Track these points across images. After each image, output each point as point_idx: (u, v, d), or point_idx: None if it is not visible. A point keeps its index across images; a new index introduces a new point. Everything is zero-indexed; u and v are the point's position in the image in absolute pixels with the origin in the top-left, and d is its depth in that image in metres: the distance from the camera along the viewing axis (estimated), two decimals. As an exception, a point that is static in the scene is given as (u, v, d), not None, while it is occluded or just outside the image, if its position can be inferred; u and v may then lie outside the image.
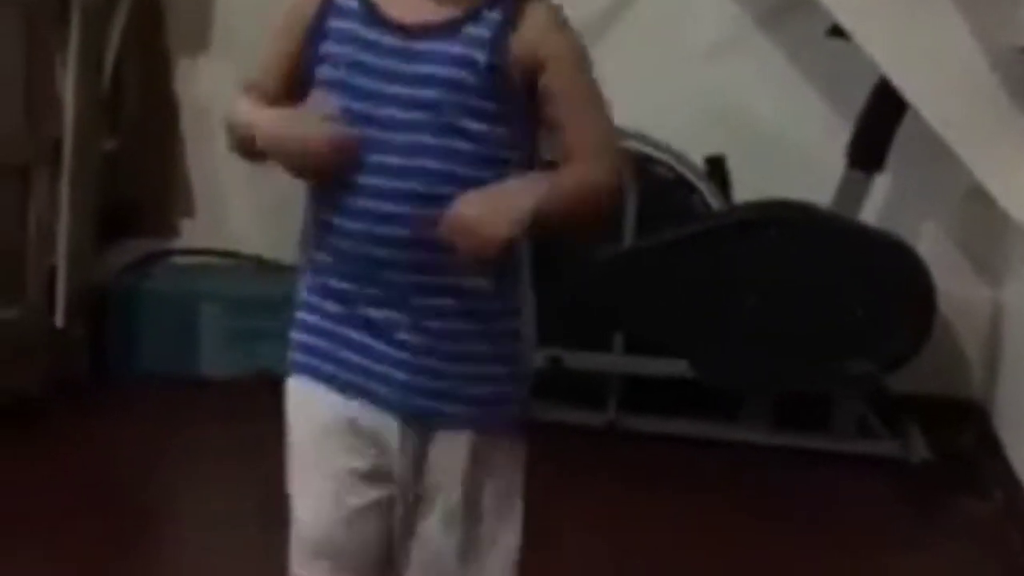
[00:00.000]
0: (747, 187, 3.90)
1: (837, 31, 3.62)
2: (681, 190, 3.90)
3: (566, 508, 3.35)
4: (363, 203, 1.75)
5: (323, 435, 1.81)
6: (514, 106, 1.76)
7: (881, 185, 3.92)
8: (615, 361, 3.86)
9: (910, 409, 3.88)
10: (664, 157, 3.90)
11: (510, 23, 1.74)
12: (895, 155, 3.82)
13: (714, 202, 3.88)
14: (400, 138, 1.73)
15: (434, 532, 1.85)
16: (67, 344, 3.83)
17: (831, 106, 4.06)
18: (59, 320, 3.80)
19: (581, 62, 1.81)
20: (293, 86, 1.80)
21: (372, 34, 1.75)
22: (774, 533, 3.28)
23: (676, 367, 3.77)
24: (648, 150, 3.91)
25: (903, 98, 3.52)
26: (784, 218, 3.76)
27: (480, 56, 1.73)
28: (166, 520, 3.27)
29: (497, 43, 1.73)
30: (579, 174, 1.77)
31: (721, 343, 3.77)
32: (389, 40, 1.74)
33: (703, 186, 3.89)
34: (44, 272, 3.75)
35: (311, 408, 1.82)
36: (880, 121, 3.78)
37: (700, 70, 4.08)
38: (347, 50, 1.75)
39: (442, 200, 1.71)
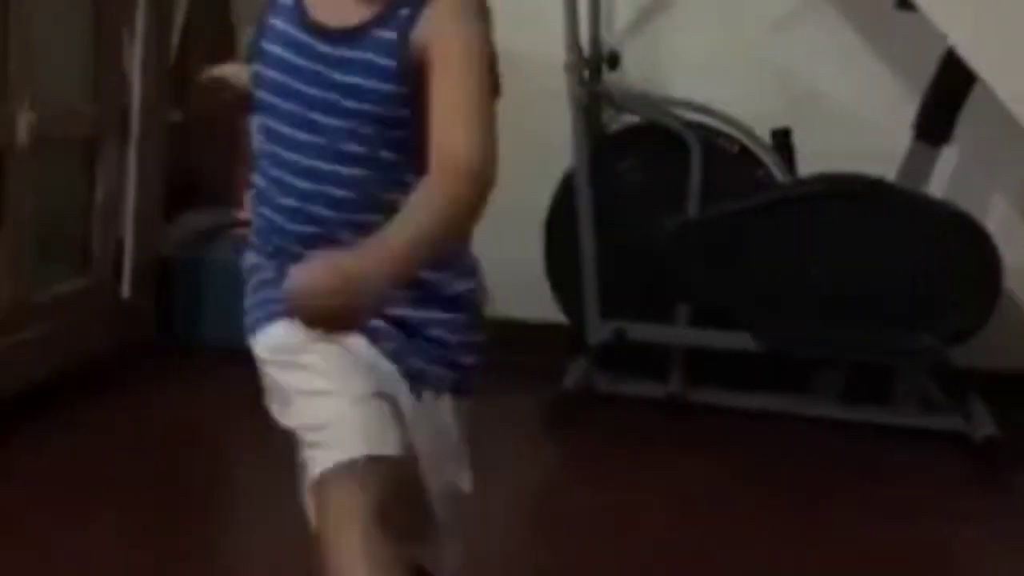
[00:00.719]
0: (813, 160, 3.88)
1: (905, 3, 3.59)
2: (747, 163, 3.88)
3: (629, 480, 3.36)
4: (280, 200, 1.76)
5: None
6: (420, 98, 1.69)
7: (948, 158, 3.89)
8: (679, 333, 3.86)
9: (974, 384, 3.85)
10: (730, 130, 3.89)
11: (412, 20, 1.69)
12: (962, 128, 3.79)
13: (779, 175, 3.86)
14: (313, 140, 1.72)
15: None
16: (134, 314, 3.86)
17: (898, 79, 4.03)
18: (126, 290, 3.83)
19: (462, 10, 1.69)
20: None
21: (300, 35, 1.74)
22: (837, 507, 3.27)
23: (740, 340, 3.76)
24: (714, 122, 3.91)
25: (971, 71, 3.48)
26: (850, 190, 3.74)
27: (386, 61, 1.69)
28: (230, 488, 3.30)
29: (401, 43, 1.68)
30: (430, 196, 1.63)
31: (785, 314, 3.75)
32: (312, 43, 1.73)
33: (769, 159, 3.88)
34: (111, 243, 3.78)
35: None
36: (948, 94, 3.75)
37: (767, 43, 4.06)
38: (276, 48, 1.75)
39: (354, 206, 1.72)
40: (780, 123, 3.91)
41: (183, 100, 4.17)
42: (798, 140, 3.90)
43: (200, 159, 4.27)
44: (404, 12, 1.69)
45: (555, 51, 3.80)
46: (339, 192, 1.73)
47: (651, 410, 3.84)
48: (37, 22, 3.34)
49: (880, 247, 3.71)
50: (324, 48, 1.72)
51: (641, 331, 3.85)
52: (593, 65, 3.95)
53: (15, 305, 3.35)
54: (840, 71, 4.06)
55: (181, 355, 4.01)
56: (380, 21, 1.69)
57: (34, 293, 3.44)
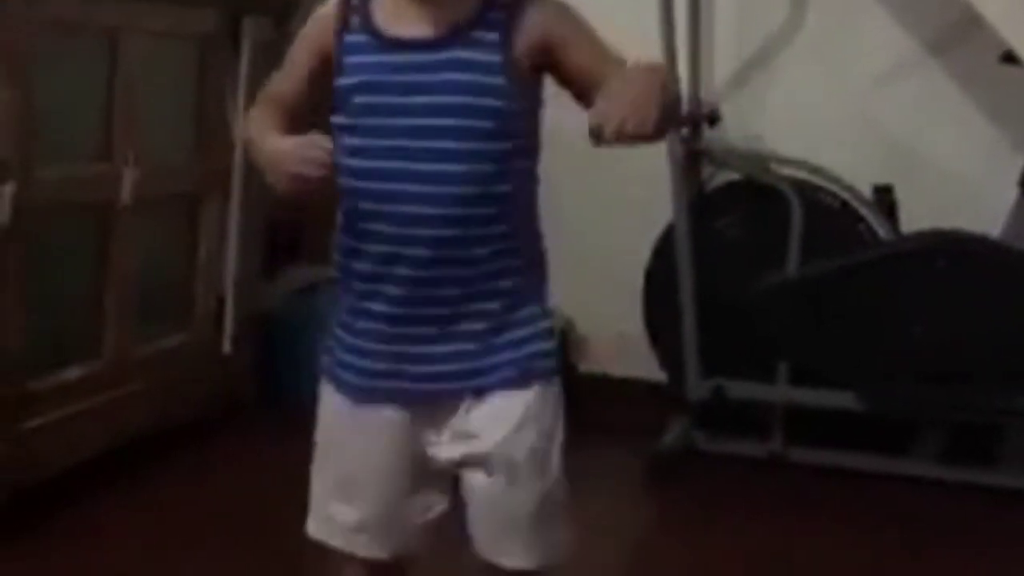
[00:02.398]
0: (916, 217, 3.84)
1: (1010, 57, 3.55)
2: (848, 219, 3.85)
3: (728, 539, 3.33)
4: (395, 208, 1.81)
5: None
6: (527, 97, 1.82)
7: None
8: (779, 391, 3.82)
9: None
10: (831, 185, 3.87)
11: (515, 20, 1.79)
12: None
13: (881, 231, 3.83)
14: (426, 144, 1.78)
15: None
16: (234, 369, 3.89)
17: (1002, 134, 3.98)
18: (226, 346, 3.86)
19: (590, 31, 1.85)
20: (310, 96, 1.90)
21: (385, 56, 1.81)
22: (939, 570, 3.22)
23: (841, 398, 3.72)
24: (815, 178, 3.88)
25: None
26: (953, 248, 3.69)
27: (494, 57, 1.78)
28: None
29: (505, 43, 1.78)
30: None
31: (887, 373, 3.71)
32: (400, 57, 1.80)
33: (870, 215, 3.84)
34: (212, 299, 3.81)
35: None
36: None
37: (868, 98, 4.03)
38: (362, 78, 1.82)
39: (468, 201, 1.78)
40: (882, 179, 3.88)
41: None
42: (901, 196, 3.86)
43: (301, 215, 4.31)
44: (497, 16, 1.79)
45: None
46: (457, 189, 1.79)
47: (751, 469, 3.80)
48: (141, 80, 3.39)
49: (984, 305, 3.66)
50: (417, 57, 1.79)
51: (741, 389, 3.82)
52: (693, 122, 3.94)
53: (118, 360, 3.39)
54: (943, 126, 4.02)
55: (280, 411, 4.02)
56: (472, 24, 1.79)
57: (137, 348, 3.48)
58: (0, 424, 2.97)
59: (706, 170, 4.00)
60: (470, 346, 1.84)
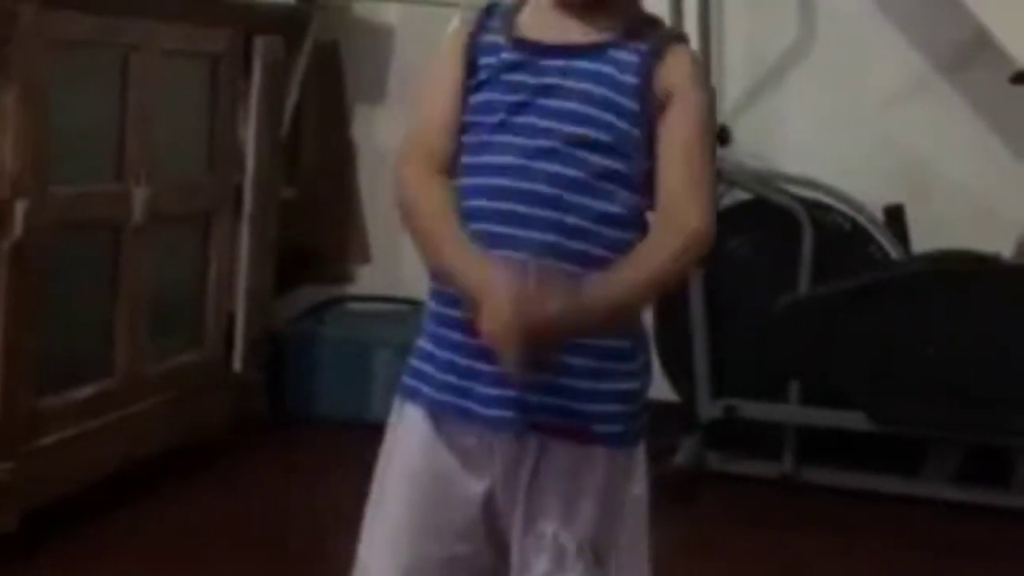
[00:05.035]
0: (927, 237, 3.84)
1: (1021, 77, 3.55)
2: (858, 240, 3.85)
3: (739, 560, 3.32)
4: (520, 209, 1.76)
5: None
6: (644, 133, 1.77)
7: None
8: (791, 411, 3.82)
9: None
10: (842, 206, 3.87)
11: (657, 55, 1.77)
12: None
13: (892, 252, 3.82)
14: (533, 143, 1.75)
15: None
16: (245, 388, 3.89)
17: (1013, 153, 3.98)
18: (237, 364, 3.86)
19: (707, 115, 1.79)
20: (456, 133, 1.82)
21: (523, 56, 1.79)
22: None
23: (853, 419, 3.71)
24: (826, 198, 3.88)
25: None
26: (965, 268, 3.69)
27: (629, 79, 1.76)
28: (339, 564, 3.29)
29: (645, 69, 1.76)
30: (663, 244, 1.73)
31: (899, 393, 3.70)
32: (537, 59, 1.79)
33: (881, 236, 3.84)
34: (223, 317, 3.81)
35: None
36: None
37: (879, 118, 4.03)
38: (501, 75, 1.80)
39: (569, 206, 1.73)
40: (893, 199, 3.87)
41: (295, 176, 4.23)
42: (911, 216, 3.86)
43: (311, 235, 4.31)
44: (643, 46, 1.77)
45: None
46: (556, 191, 1.74)
47: (763, 489, 3.79)
48: (154, 98, 3.39)
49: (996, 325, 3.65)
50: (553, 62, 1.78)
51: (752, 409, 3.82)
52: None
53: (129, 378, 3.39)
54: (954, 146, 4.02)
55: (291, 429, 4.03)
56: (615, 45, 1.77)
57: (148, 366, 3.47)
58: (11, 442, 2.97)
59: (717, 189, 3.99)
60: None
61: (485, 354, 1.72)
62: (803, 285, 3.77)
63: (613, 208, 1.75)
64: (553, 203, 1.73)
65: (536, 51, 1.79)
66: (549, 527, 1.82)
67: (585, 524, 1.84)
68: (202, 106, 3.70)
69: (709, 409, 3.82)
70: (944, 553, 3.45)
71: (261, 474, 3.68)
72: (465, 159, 1.80)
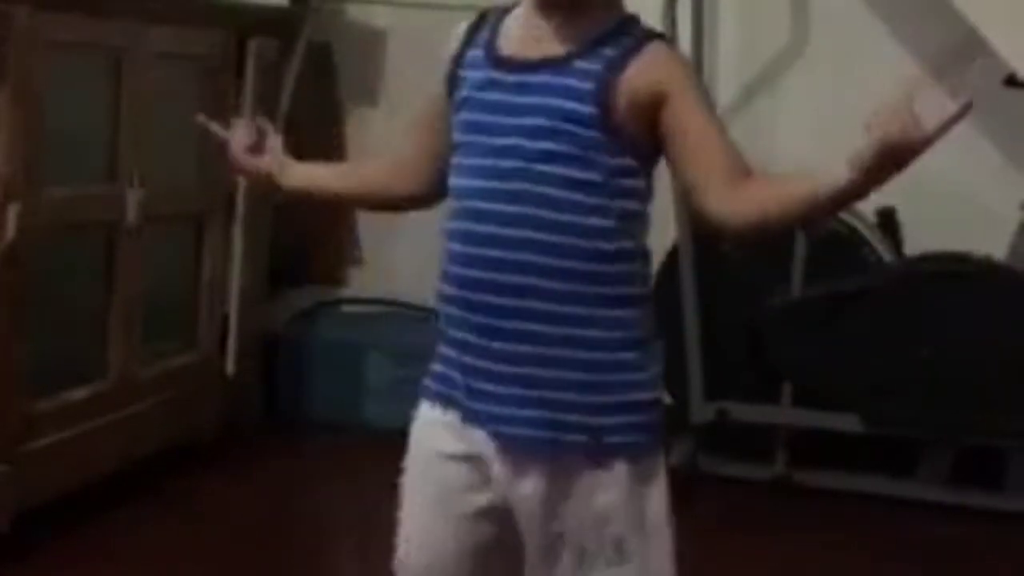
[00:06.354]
0: (919, 239, 3.84)
1: (1013, 81, 3.55)
2: (852, 242, 3.85)
3: (732, 562, 3.32)
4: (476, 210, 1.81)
5: None
6: (621, 139, 1.77)
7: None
8: (783, 413, 3.82)
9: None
10: (834, 208, 3.86)
11: (626, 59, 1.77)
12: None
13: (885, 254, 3.83)
14: (503, 164, 1.77)
15: None
16: (238, 390, 3.89)
17: (1006, 156, 3.98)
18: (230, 367, 3.86)
19: (703, 94, 1.85)
20: (432, 147, 1.89)
21: (495, 74, 1.81)
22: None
23: (846, 421, 3.72)
24: (818, 201, 3.88)
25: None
26: (957, 270, 3.69)
27: (587, 85, 1.76)
28: (332, 567, 3.30)
29: (606, 77, 1.76)
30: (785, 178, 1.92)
31: (892, 395, 3.71)
32: (505, 76, 1.80)
33: (874, 238, 3.84)
34: (216, 319, 3.81)
35: None
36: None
37: (872, 119, 4.03)
38: (473, 93, 1.82)
39: (541, 223, 1.75)
40: (885, 201, 3.88)
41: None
42: (904, 218, 3.86)
43: (304, 237, 4.31)
44: (609, 52, 1.77)
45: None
46: (546, 213, 1.76)
47: (755, 491, 3.79)
48: (147, 101, 3.39)
49: (989, 327, 3.66)
50: (519, 77, 1.79)
51: (745, 411, 3.82)
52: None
53: (123, 380, 3.39)
54: (947, 149, 3.91)
55: (284, 432, 4.03)
56: (584, 54, 1.77)
57: (141, 369, 3.48)
58: (5, 444, 2.97)
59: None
60: None
61: (499, 359, 1.78)
62: (796, 288, 3.78)
63: (584, 219, 1.76)
64: (523, 221, 1.75)
65: (508, 67, 1.81)
66: (569, 529, 1.86)
67: (606, 527, 1.91)
68: (194, 108, 3.67)
69: (702, 411, 3.82)
70: (937, 555, 3.46)
71: (254, 475, 3.68)
72: (450, 180, 1.84)
